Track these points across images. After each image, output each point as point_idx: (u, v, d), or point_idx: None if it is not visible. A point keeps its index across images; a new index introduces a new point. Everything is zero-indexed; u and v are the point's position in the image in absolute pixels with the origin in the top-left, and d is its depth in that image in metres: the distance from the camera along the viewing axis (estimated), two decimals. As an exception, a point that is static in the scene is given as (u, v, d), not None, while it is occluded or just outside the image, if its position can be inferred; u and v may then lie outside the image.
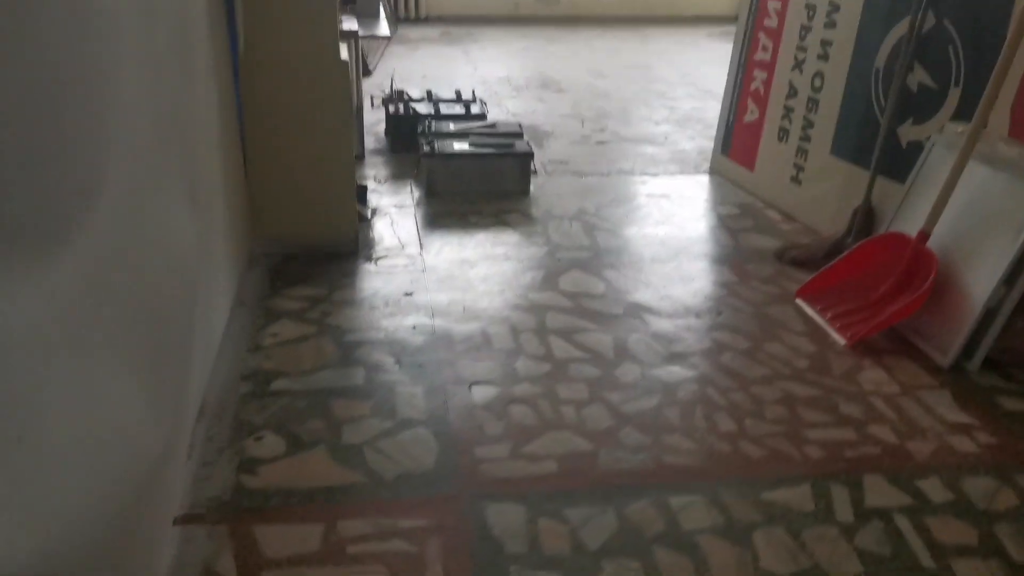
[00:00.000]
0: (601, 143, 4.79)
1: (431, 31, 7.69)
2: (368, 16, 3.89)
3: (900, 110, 3.17)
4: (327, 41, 3.10)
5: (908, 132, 3.17)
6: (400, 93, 4.79)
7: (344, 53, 3.20)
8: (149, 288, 1.45)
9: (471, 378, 2.54)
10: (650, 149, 4.70)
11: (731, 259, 3.42)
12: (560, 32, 7.72)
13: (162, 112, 1.75)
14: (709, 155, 4.55)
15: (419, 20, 8.07)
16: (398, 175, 4.20)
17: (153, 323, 1.47)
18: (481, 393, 2.47)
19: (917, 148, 3.09)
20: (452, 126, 4.30)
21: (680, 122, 5.20)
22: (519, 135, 4.24)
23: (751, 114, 4.07)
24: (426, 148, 3.97)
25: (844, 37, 3.46)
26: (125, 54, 1.49)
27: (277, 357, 2.59)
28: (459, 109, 4.61)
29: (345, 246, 3.34)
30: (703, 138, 4.88)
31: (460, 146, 4.02)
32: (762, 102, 3.99)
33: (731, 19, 8.50)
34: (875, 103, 3.31)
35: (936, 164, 2.91)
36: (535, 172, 4.14)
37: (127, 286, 1.32)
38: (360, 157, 4.40)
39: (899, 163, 3.18)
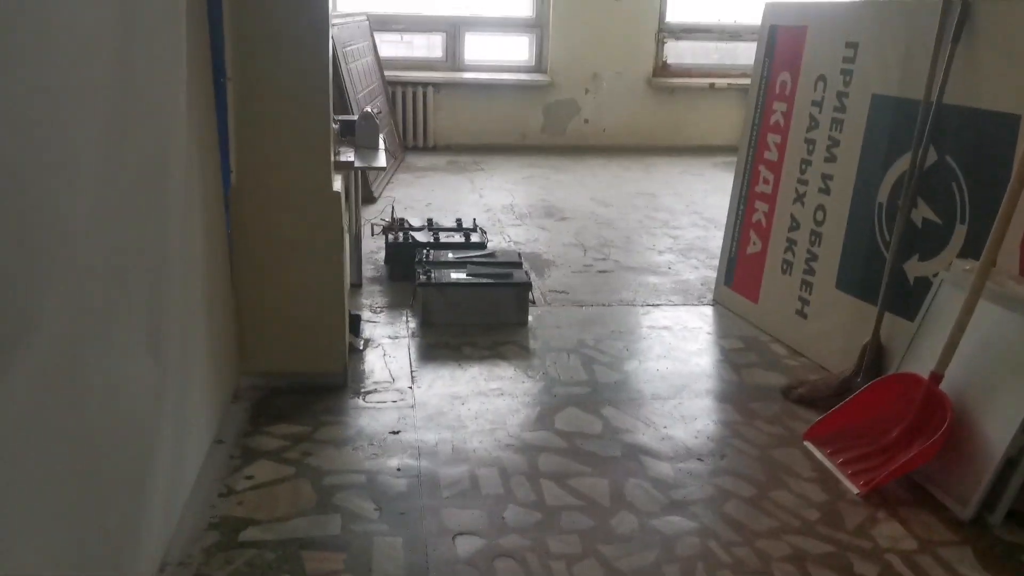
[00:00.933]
0: (603, 272, 4.73)
1: (438, 159, 7.80)
2: (367, 147, 3.90)
3: (905, 246, 3.09)
4: (320, 173, 3.07)
5: (914, 268, 3.08)
6: (400, 221, 4.77)
7: (337, 185, 3.17)
8: (84, 447, 1.32)
9: (455, 528, 2.37)
10: (653, 279, 4.63)
11: (735, 396, 3.27)
12: (565, 161, 7.82)
13: (124, 251, 1.67)
14: (712, 285, 4.47)
15: (427, 148, 8.21)
16: (395, 304, 4.12)
17: (88, 487, 1.34)
18: (465, 545, 2.30)
19: (925, 284, 2.99)
20: (451, 255, 4.25)
21: (684, 251, 5.16)
22: (518, 264, 4.18)
23: (753, 246, 4.01)
24: (422, 277, 3.90)
25: (845, 171, 3.42)
26: (80, 188, 1.42)
27: (250, 503, 2.44)
28: (459, 238, 4.57)
29: (334, 379, 3.22)
30: (706, 268, 4.81)
31: (457, 275, 3.95)
32: (764, 234, 3.93)
33: (735, 149, 8.61)
34: (879, 238, 3.24)
35: (945, 302, 2.80)
36: (534, 302, 4.05)
37: (55, 446, 1.20)
38: (357, 286, 4.34)
39: (907, 299, 3.07)
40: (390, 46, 8.36)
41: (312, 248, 3.12)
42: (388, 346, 3.61)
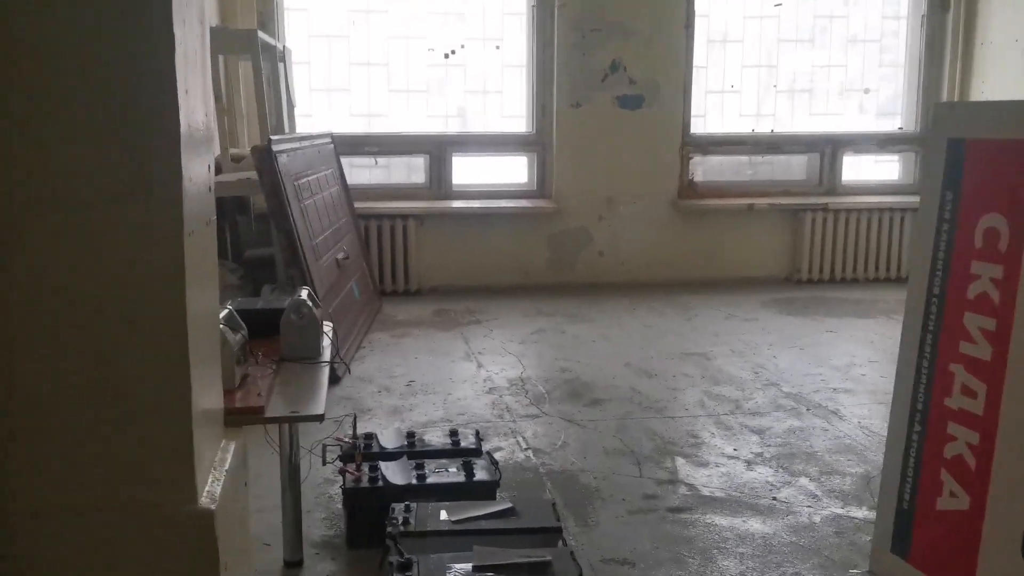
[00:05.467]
0: (676, 512, 3.10)
1: (422, 308, 6.26)
2: (302, 356, 2.34)
3: None
4: (172, 471, 1.48)
5: None
6: (367, 442, 3.16)
7: (216, 484, 1.57)
8: None
9: None
10: (756, 524, 3.01)
11: None
12: (581, 305, 6.29)
13: None
14: (854, 536, 2.86)
15: (409, 294, 6.68)
16: (353, 609, 2.48)
17: None
18: None
19: None
20: (445, 514, 2.63)
21: (783, 460, 3.55)
22: (555, 531, 2.56)
23: (952, 499, 2.41)
24: (400, 578, 2.27)
25: None
26: None
27: None
28: (456, 472, 2.95)
29: None
30: (831, 497, 3.20)
31: (461, 569, 2.32)
32: (973, 481, 2.34)
33: (781, 281, 7.14)
34: None
35: None
36: (588, 608, 2.40)
37: None
38: (295, 564, 2.70)
39: None
40: (362, 171, 6.96)
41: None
42: None
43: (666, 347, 5.26)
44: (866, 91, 7.53)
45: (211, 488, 1.53)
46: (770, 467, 3.48)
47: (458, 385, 4.55)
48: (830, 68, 7.46)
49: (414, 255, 6.72)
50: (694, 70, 7.06)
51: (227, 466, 1.62)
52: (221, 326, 1.91)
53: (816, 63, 7.43)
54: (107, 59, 1.37)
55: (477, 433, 3.28)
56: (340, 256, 5.43)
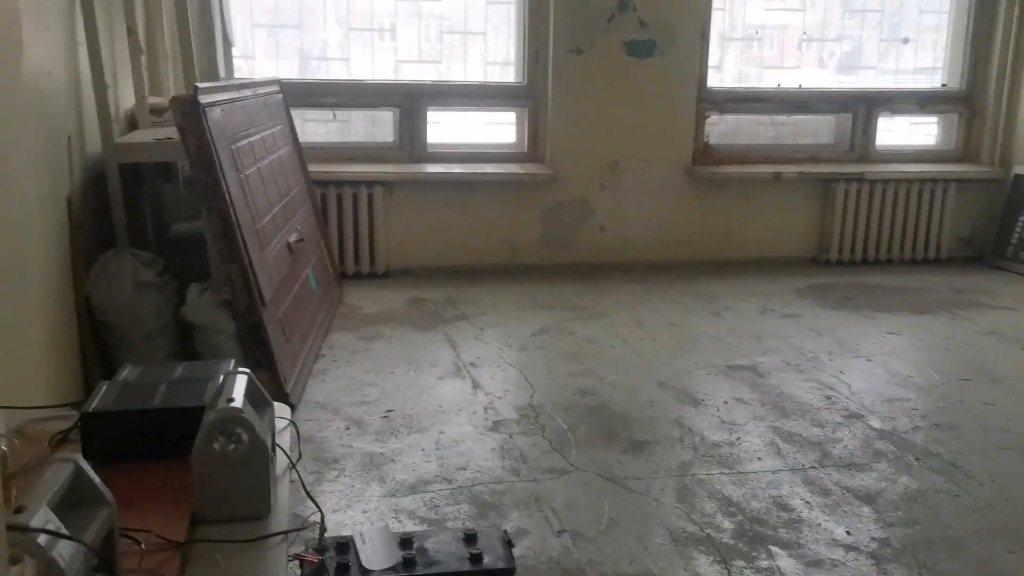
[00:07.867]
0: (808, 662, 2.09)
1: (393, 297, 5.14)
2: (236, 516, 1.26)
3: None
4: None
5: None
6: (341, 560, 2.07)
7: None
8: None
9: None
10: None
11: None
12: (584, 293, 5.24)
13: None
14: None
15: (375, 276, 5.55)
16: None
17: None
18: None
19: None
20: None
21: (919, 553, 2.56)
22: None
23: None
24: None
25: None
26: None
27: None
28: (487, 626, 1.88)
29: None
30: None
31: None
32: None
33: (807, 262, 6.16)
34: None
35: None
36: None
37: None
38: None
39: None
40: (317, 126, 5.77)
41: None
42: None
43: (703, 356, 4.24)
44: (904, 41, 6.50)
45: None
46: (908, 567, 2.49)
47: (451, 417, 3.48)
48: (864, 14, 6.43)
49: (381, 230, 5.57)
50: (712, 13, 5.96)
51: None
52: (39, 538, 0.80)
53: (848, 7, 6.39)
54: None
55: (506, 540, 2.21)
56: (293, 239, 4.27)
